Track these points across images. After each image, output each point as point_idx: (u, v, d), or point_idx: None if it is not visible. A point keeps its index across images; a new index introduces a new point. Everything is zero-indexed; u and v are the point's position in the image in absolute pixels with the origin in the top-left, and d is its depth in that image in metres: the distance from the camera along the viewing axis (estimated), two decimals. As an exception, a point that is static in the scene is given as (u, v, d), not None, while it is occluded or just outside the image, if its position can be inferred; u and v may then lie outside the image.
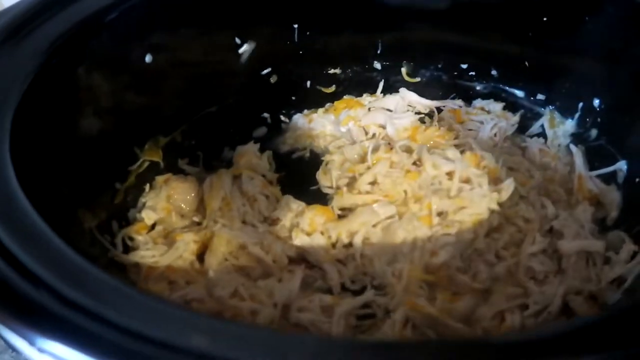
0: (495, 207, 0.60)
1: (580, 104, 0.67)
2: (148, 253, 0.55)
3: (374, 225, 0.57)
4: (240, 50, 0.66)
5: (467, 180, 0.61)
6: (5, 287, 0.27)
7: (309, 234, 0.57)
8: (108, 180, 0.56)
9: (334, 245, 0.57)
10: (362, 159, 0.65)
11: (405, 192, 0.59)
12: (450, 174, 0.61)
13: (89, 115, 0.50)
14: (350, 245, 0.57)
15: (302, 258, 0.58)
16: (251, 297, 0.52)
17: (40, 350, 0.26)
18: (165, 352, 0.26)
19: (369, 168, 0.62)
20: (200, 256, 0.57)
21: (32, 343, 0.26)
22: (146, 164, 0.62)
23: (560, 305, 0.53)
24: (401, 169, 0.61)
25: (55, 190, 0.43)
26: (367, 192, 0.60)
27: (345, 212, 0.60)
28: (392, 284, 0.53)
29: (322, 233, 0.57)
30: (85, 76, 0.48)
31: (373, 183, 0.61)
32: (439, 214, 0.58)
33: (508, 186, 0.61)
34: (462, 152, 0.68)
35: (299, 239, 0.57)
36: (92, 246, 0.49)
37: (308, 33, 0.68)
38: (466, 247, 0.57)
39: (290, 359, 0.26)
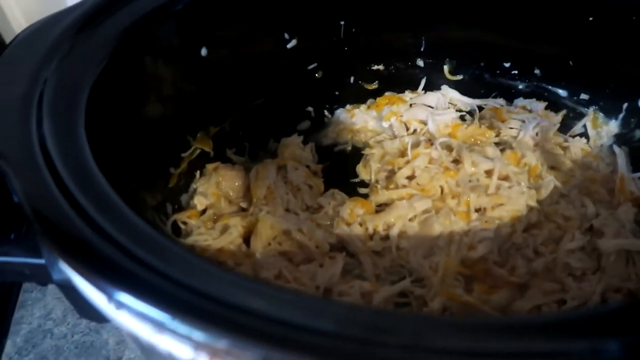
0: (534, 204, 0.61)
1: (625, 105, 0.66)
2: (201, 237, 0.58)
3: (410, 219, 0.59)
4: (289, 46, 0.69)
5: (505, 178, 0.62)
6: (88, 247, 0.30)
7: (348, 224, 0.60)
8: (163, 164, 0.60)
9: (371, 237, 0.59)
10: (402, 154, 0.67)
11: (442, 188, 0.61)
12: (489, 172, 0.62)
13: (150, 102, 0.54)
14: (387, 237, 0.58)
15: (342, 246, 0.60)
16: (294, 280, 0.54)
17: (118, 304, 0.29)
18: (221, 307, 0.29)
19: (408, 162, 0.64)
20: (246, 240, 0.60)
21: (110, 297, 0.29)
22: (197, 152, 0.65)
23: (599, 302, 0.54)
24: (440, 165, 0.63)
25: (122, 170, 0.46)
26: (404, 186, 0.62)
27: (382, 207, 0.62)
28: (428, 276, 0.55)
29: (360, 224, 0.59)
30: (150, 66, 0.51)
31: (411, 177, 0.63)
32: (477, 210, 0.59)
33: (547, 184, 0.62)
34: (502, 150, 0.69)
35: (339, 228, 0.59)
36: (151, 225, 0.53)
37: (353, 30, 0.70)
38: (504, 241, 0.58)
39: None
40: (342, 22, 0.70)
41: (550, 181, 0.62)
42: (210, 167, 0.67)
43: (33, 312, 0.71)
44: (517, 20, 0.69)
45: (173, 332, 0.28)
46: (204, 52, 0.61)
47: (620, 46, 0.64)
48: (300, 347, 0.26)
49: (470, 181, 0.61)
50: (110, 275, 0.29)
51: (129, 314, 0.29)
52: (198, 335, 0.27)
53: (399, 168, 0.65)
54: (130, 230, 0.33)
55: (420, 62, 0.75)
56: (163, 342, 0.29)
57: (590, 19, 0.64)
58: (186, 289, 0.29)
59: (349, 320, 0.28)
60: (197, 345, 0.28)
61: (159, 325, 0.28)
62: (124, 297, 0.28)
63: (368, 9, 0.69)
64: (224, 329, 0.27)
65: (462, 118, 0.76)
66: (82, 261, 0.30)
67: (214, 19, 0.59)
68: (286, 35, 0.68)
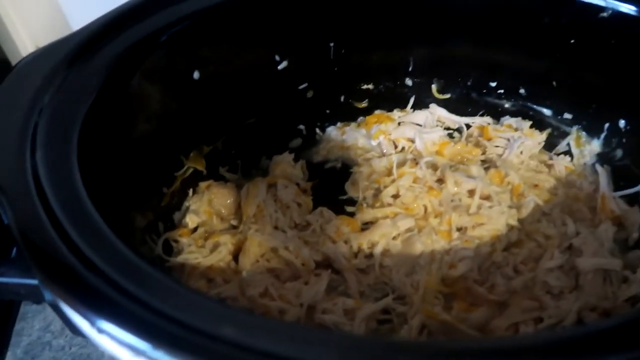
0: (514, 223, 0.62)
1: (607, 125, 0.68)
2: (192, 255, 0.61)
3: (394, 238, 0.60)
4: (280, 67, 0.71)
5: (487, 197, 0.63)
6: (72, 275, 0.33)
7: (334, 242, 0.61)
8: (156, 184, 0.62)
9: (356, 255, 0.61)
10: (389, 172, 0.69)
11: (425, 207, 0.62)
12: (471, 192, 0.63)
13: (143, 125, 0.56)
14: (371, 255, 0.60)
15: (328, 263, 0.62)
16: (280, 297, 0.56)
17: (99, 330, 0.31)
18: (199, 337, 0.31)
19: (393, 181, 0.66)
20: (236, 257, 0.62)
21: (92, 323, 0.31)
22: (190, 170, 0.67)
23: (575, 320, 0.55)
24: (424, 185, 0.64)
25: (112, 192, 0.48)
26: (389, 205, 0.64)
27: (368, 226, 0.64)
28: (410, 294, 0.57)
29: (345, 242, 0.61)
30: (142, 91, 0.54)
31: (396, 196, 0.65)
32: (458, 229, 0.61)
33: (528, 203, 0.63)
34: (487, 168, 0.71)
35: (325, 246, 0.61)
36: (142, 245, 0.55)
37: (343, 51, 0.72)
38: (484, 260, 0.60)
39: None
40: (332, 44, 0.72)
41: (531, 200, 0.64)
42: (203, 185, 0.69)
43: (33, 325, 0.73)
44: (503, 41, 0.71)
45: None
46: (196, 75, 0.63)
47: (601, 68, 0.65)
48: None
49: (452, 201, 0.63)
50: (92, 303, 0.31)
51: (110, 339, 0.32)
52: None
53: (385, 187, 0.67)
54: (114, 259, 0.35)
55: (408, 82, 0.77)
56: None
57: (572, 41, 0.66)
58: (167, 318, 0.31)
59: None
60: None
61: (139, 352, 0.31)
62: (105, 325, 0.31)
63: (357, 30, 0.71)
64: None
65: (450, 136, 0.78)
66: (65, 288, 0.32)
67: (204, 44, 0.61)
68: (277, 57, 0.70)
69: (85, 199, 0.40)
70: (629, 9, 0.59)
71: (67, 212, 0.37)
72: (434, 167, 0.69)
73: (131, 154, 0.54)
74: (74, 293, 0.32)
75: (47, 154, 0.41)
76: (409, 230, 0.61)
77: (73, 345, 0.70)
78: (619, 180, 0.67)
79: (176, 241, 0.62)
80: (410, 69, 0.76)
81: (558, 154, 0.73)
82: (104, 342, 0.32)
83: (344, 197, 0.71)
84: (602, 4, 0.58)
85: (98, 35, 0.51)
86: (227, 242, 0.62)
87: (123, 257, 0.36)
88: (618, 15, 0.60)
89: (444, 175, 0.65)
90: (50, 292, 0.33)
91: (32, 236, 0.35)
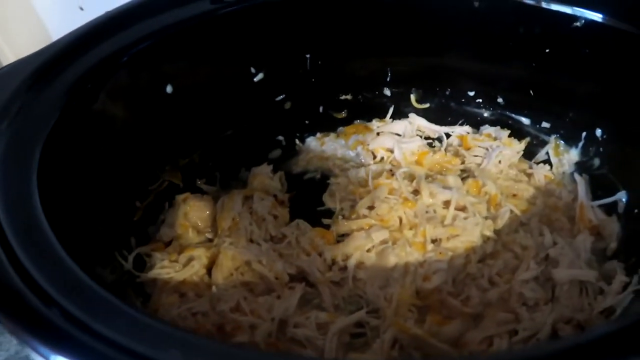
0: (490, 234, 0.62)
1: (584, 134, 0.68)
2: (164, 271, 0.60)
3: (368, 250, 0.60)
4: (256, 79, 0.71)
5: (463, 208, 0.63)
6: (14, 298, 0.33)
7: (308, 255, 0.61)
8: (128, 199, 0.62)
9: (330, 268, 0.60)
10: (365, 183, 0.68)
11: (400, 218, 0.62)
12: (447, 203, 0.63)
13: (111, 142, 0.56)
14: (346, 268, 0.60)
15: (302, 276, 0.61)
16: (251, 312, 0.56)
17: (41, 355, 0.31)
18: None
19: (369, 192, 0.65)
20: (210, 270, 0.62)
21: (33, 349, 0.31)
22: (165, 184, 0.67)
23: (549, 333, 0.55)
24: (399, 196, 0.64)
25: (77, 211, 0.48)
26: (365, 216, 0.63)
27: (343, 238, 0.63)
28: (383, 307, 0.56)
29: (320, 255, 0.61)
30: (107, 109, 0.54)
31: (371, 207, 0.64)
32: (433, 241, 0.60)
33: (504, 214, 0.63)
34: (466, 177, 0.71)
35: (299, 259, 0.61)
36: (108, 263, 0.55)
37: (319, 62, 0.72)
38: (458, 272, 0.59)
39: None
40: (308, 55, 0.72)
41: (506, 211, 0.63)
42: (179, 197, 0.68)
43: (11, 339, 0.73)
44: (480, 51, 0.71)
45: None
46: (169, 89, 0.63)
47: (576, 77, 0.65)
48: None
49: (427, 212, 0.63)
50: (32, 327, 0.31)
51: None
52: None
53: (361, 198, 0.66)
54: (63, 282, 0.35)
55: (387, 92, 0.77)
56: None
57: (547, 50, 0.66)
58: (111, 344, 0.31)
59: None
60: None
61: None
62: (44, 351, 0.30)
63: (332, 41, 0.71)
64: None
65: (430, 145, 0.77)
66: (6, 312, 0.32)
67: (174, 58, 0.61)
68: (252, 70, 0.70)
69: (42, 221, 0.39)
70: (597, 17, 0.58)
71: (19, 235, 0.37)
72: (410, 177, 0.68)
73: (99, 172, 0.54)
74: (13, 316, 0.32)
75: (4, 177, 0.41)
76: (383, 242, 0.61)
77: (50, 361, 0.70)
78: (597, 189, 0.66)
79: (149, 255, 0.62)
80: (388, 79, 0.76)
81: (537, 163, 0.73)
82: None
83: (323, 209, 0.70)
84: (570, 11, 0.58)
85: (58, 58, 0.50)
86: (201, 256, 0.62)
87: (74, 280, 0.35)
88: (591, 24, 0.60)
89: (419, 187, 0.64)
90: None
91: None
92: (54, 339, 0.31)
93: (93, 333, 0.31)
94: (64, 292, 0.34)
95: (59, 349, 0.30)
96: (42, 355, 0.31)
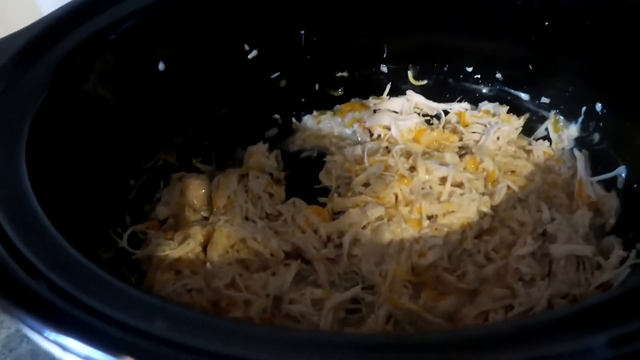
0: (487, 210, 0.61)
1: (584, 108, 0.67)
2: (159, 248, 0.60)
3: (363, 227, 0.60)
4: (250, 56, 0.70)
5: (460, 185, 0.62)
6: (4, 274, 0.32)
7: (303, 232, 0.61)
8: (122, 177, 0.61)
9: (325, 244, 0.60)
10: (362, 160, 0.68)
11: (396, 195, 0.61)
12: (443, 179, 0.62)
13: (103, 123, 0.55)
14: (341, 245, 0.60)
15: (298, 254, 0.61)
16: (246, 288, 0.56)
17: (28, 327, 0.31)
18: (132, 335, 0.30)
19: (364, 169, 0.65)
20: (206, 248, 0.62)
21: (21, 321, 0.31)
22: (160, 162, 0.67)
23: (545, 308, 0.54)
24: (395, 173, 0.63)
25: (69, 188, 0.48)
26: (360, 193, 0.63)
27: (339, 215, 0.63)
28: (378, 283, 0.56)
29: (315, 232, 0.61)
30: (96, 88, 0.53)
31: (366, 184, 0.64)
32: (429, 217, 0.60)
33: (500, 190, 0.62)
34: (464, 154, 0.70)
35: (295, 236, 0.61)
36: (106, 240, 0.55)
37: (314, 38, 0.71)
38: (454, 248, 0.59)
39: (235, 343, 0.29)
40: (302, 32, 0.71)
41: (503, 187, 0.63)
42: (175, 176, 0.68)
43: (11, 318, 0.73)
44: (477, 25, 0.69)
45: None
46: (161, 66, 0.62)
47: (576, 50, 0.64)
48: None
49: (423, 189, 0.62)
50: (20, 299, 0.31)
51: (39, 336, 0.31)
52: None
53: (357, 175, 0.66)
54: (51, 256, 0.35)
55: (384, 68, 0.76)
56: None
57: (546, 23, 0.64)
58: (99, 315, 0.31)
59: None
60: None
61: (68, 350, 0.30)
62: (32, 323, 0.30)
63: (326, 17, 0.70)
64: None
65: (428, 122, 0.76)
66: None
67: (166, 35, 0.60)
68: (246, 47, 0.69)
69: (31, 196, 0.39)
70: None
71: (6, 208, 0.37)
72: (407, 154, 0.67)
73: (91, 150, 0.54)
74: (3, 293, 0.31)
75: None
76: (379, 219, 0.61)
77: (50, 339, 0.70)
78: (597, 164, 0.65)
79: (144, 234, 0.62)
80: (385, 55, 0.75)
81: (537, 139, 0.72)
82: (37, 339, 0.32)
83: (319, 187, 0.70)
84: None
85: (44, 35, 0.50)
86: (196, 234, 0.62)
87: (62, 254, 0.35)
88: (591, -5, 0.59)
89: (416, 163, 0.64)
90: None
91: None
92: (42, 312, 0.31)
93: (81, 305, 0.31)
94: (53, 266, 0.34)
95: (47, 321, 0.30)
96: (30, 327, 0.31)
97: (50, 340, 0.30)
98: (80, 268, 0.35)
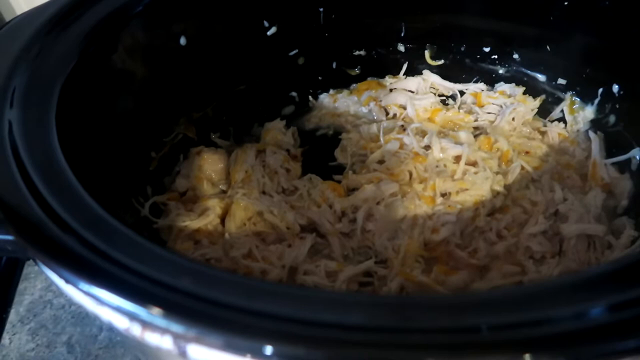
0: (500, 189, 0.62)
1: (600, 90, 0.67)
2: (179, 218, 0.62)
3: (377, 203, 0.61)
4: (269, 33, 0.71)
5: (474, 164, 0.63)
6: (39, 230, 0.34)
7: (318, 206, 0.62)
8: (144, 149, 0.63)
9: (340, 219, 0.62)
10: (377, 138, 0.69)
11: (410, 172, 0.62)
12: (457, 158, 0.63)
13: (126, 92, 0.57)
14: (355, 220, 0.61)
15: (313, 227, 0.63)
16: (263, 259, 0.58)
17: (66, 280, 0.33)
18: (160, 289, 0.32)
19: (380, 147, 0.66)
20: (224, 220, 0.64)
21: (59, 275, 0.32)
22: (180, 137, 0.68)
23: (555, 285, 0.55)
24: (410, 151, 0.64)
25: (93, 155, 0.50)
26: (375, 170, 0.64)
27: (353, 192, 0.64)
28: (391, 257, 0.57)
29: (330, 206, 0.62)
30: (123, 59, 0.54)
31: (381, 162, 0.65)
32: (442, 194, 0.61)
33: (514, 169, 0.63)
34: (479, 134, 0.71)
35: (310, 210, 0.62)
36: (129, 208, 0.57)
37: (333, 16, 0.72)
38: (466, 225, 0.60)
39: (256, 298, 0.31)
40: (321, 9, 0.71)
41: (517, 166, 0.63)
42: (194, 150, 0.70)
43: (35, 284, 0.76)
44: (496, 5, 0.69)
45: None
46: (182, 41, 0.63)
47: (595, 31, 0.64)
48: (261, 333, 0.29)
49: (437, 167, 0.63)
50: (58, 256, 0.33)
51: (76, 290, 0.33)
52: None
53: (372, 152, 0.67)
54: (83, 215, 0.36)
55: (401, 48, 0.77)
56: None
57: (565, 3, 0.64)
58: (130, 270, 0.33)
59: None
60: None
61: (102, 302, 0.32)
62: (69, 276, 0.32)
63: (346, -5, 0.70)
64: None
65: (444, 102, 0.77)
66: (33, 243, 0.34)
67: (189, 10, 0.61)
68: (265, 23, 0.70)
69: (62, 160, 0.41)
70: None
71: (39, 169, 0.38)
72: (422, 133, 0.68)
73: (115, 119, 0.55)
74: (40, 246, 0.33)
75: (24, 114, 0.43)
76: (392, 195, 0.62)
77: (73, 304, 0.73)
78: (612, 146, 0.66)
79: (165, 204, 0.64)
80: (402, 34, 0.75)
81: (552, 121, 0.72)
82: (71, 292, 0.34)
83: (334, 164, 0.71)
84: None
85: (74, 5, 0.51)
86: (215, 206, 0.64)
87: (92, 214, 0.37)
88: (612, -25, 0.58)
89: (431, 142, 0.65)
90: (22, 247, 0.35)
91: (2, 192, 0.36)
92: (77, 265, 0.32)
93: (112, 260, 0.33)
94: (85, 224, 0.35)
95: (81, 273, 0.32)
96: (66, 280, 0.33)
97: (84, 292, 0.32)
98: (110, 227, 0.36)
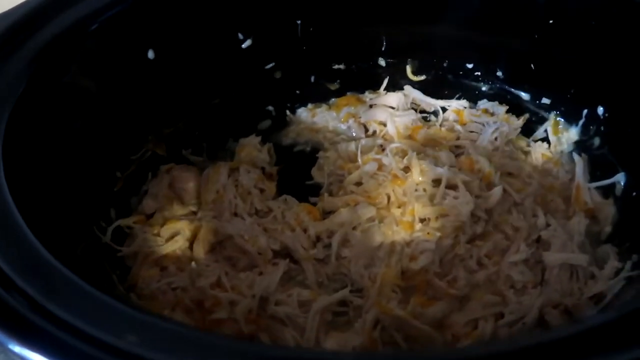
0: (481, 214, 0.60)
1: (585, 111, 0.65)
2: (146, 244, 0.59)
3: (354, 227, 0.58)
4: (244, 45, 0.68)
5: (454, 187, 0.61)
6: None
7: (292, 230, 0.59)
8: (108, 169, 0.60)
9: (314, 244, 0.59)
10: (355, 157, 0.66)
11: (389, 196, 0.60)
12: (437, 181, 0.61)
13: (87, 113, 0.54)
14: (330, 245, 0.58)
15: (287, 252, 0.60)
16: (232, 288, 0.55)
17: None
18: (101, 351, 0.29)
19: (357, 168, 0.63)
20: (192, 244, 0.60)
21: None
22: (148, 154, 0.65)
23: (536, 317, 0.53)
24: (389, 173, 0.62)
25: (50, 180, 0.46)
26: (352, 192, 0.61)
27: (329, 215, 0.61)
28: (367, 287, 0.55)
29: (304, 231, 0.59)
30: (80, 78, 0.51)
31: (359, 183, 0.62)
32: (421, 220, 0.58)
33: (496, 193, 0.61)
34: (460, 154, 0.68)
35: (284, 234, 0.59)
36: (88, 235, 0.53)
37: (311, 29, 0.69)
38: (446, 253, 0.57)
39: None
40: (299, 21, 0.68)
41: (499, 190, 0.61)
42: (163, 168, 0.66)
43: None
44: (480, 21, 0.67)
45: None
46: (151, 55, 0.60)
47: (581, 50, 0.62)
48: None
49: (416, 190, 0.60)
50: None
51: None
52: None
53: (349, 173, 0.64)
54: (23, 262, 0.33)
55: (382, 62, 0.74)
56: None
57: (551, 21, 0.62)
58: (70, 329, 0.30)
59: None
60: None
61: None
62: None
63: (324, 7, 0.68)
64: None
65: (425, 119, 0.74)
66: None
67: (156, 22, 0.58)
68: (240, 35, 0.67)
69: (4, 189, 0.37)
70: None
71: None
72: (402, 153, 0.66)
73: (73, 141, 0.52)
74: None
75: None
76: (369, 220, 0.59)
77: None
78: (596, 169, 0.64)
79: (130, 228, 0.60)
80: (383, 48, 0.73)
81: (535, 141, 0.70)
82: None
83: (311, 182, 0.68)
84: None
85: (22, 24, 0.47)
86: (184, 229, 0.61)
87: (33, 256, 0.34)
88: (599, -6, 0.56)
89: (410, 163, 0.62)
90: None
91: None
92: (8, 323, 0.29)
93: (49, 315, 0.30)
94: (21, 269, 0.32)
95: (9, 333, 0.29)
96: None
97: (15, 354, 0.29)
98: (51, 272, 0.33)
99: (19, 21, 0.46)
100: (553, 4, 0.61)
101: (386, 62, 0.74)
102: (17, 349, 0.28)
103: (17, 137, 0.42)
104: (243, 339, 0.51)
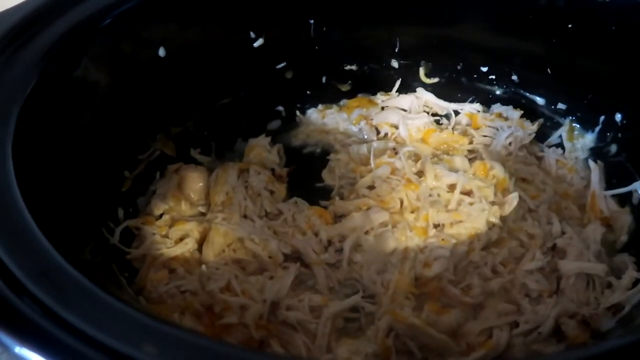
0: (496, 221, 0.59)
1: (602, 117, 0.64)
2: (154, 246, 0.57)
3: (366, 232, 0.57)
4: (255, 44, 0.66)
5: (469, 193, 0.60)
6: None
7: (303, 234, 0.58)
8: (116, 169, 0.59)
9: (326, 249, 0.58)
10: (367, 161, 0.65)
11: (402, 200, 0.59)
12: (451, 186, 0.60)
13: (96, 111, 0.52)
14: (342, 250, 0.57)
15: (297, 256, 0.59)
16: (242, 292, 0.53)
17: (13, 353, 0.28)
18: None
19: (370, 171, 0.62)
20: (202, 246, 0.59)
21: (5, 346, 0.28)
22: (157, 153, 0.64)
23: (552, 327, 0.52)
24: (402, 177, 0.61)
25: (59, 180, 0.45)
26: (364, 196, 0.60)
27: (341, 219, 0.60)
28: (379, 293, 0.54)
29: (316, 235, 0.58)
30: (91, 75, 0.50)
31: (371, 187, 0.61)
32: (435, 226, 0.57)
33: (512, 200, 0.60)
34: (474, 158, 0.67)
35: (295, 238, 0.58)
36: (96, 236, 0.52)
37: (324, 29, 0.68)
38: (460, 260, 0.56)
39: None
40: (312, 21, 0.67)
41: (515, 197, 0.60)
42: (171, 167, 0.65)
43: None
44: (496, 23, 0.66)
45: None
46: (161, 52, 0.59)
47: (599, 56, 0.61)
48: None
49: (430, 195, 0.59)
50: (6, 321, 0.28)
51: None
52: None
53: (361, 177, 0.63)
54: (35, 267, 0.32)
55: (394, 63, 0.73)
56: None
57: (570, 26, 0.61)
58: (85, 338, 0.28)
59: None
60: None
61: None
62: (19, 349, 0.28)
63: (338, 7, 0.66)
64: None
65: (437, 122, 0.73)
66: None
67: (167, 20, 0.57)
68: (252, 34, 0.66)
69: (14, 190, 0.36)
70: (630, -7, 0.54)
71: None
72: (415, 157, 0.65)
73: (82, 140, 0.51)
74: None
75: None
76: (382, 225, 0.58)
77: None
78: (612, 177, 0.63)
79: (138, 229, 0.59)
80: (396, 49, 0.72)
81: (549, 147, 0.69)
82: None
83: (321, 185, 0.67)
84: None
85: (34, 18, 0.46)
86: (193, 230, 0.59)
87: (45, 260, 0.33)
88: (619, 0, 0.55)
89: (424, 168, 0.61)
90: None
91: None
92: (16, 329, 0.28)
93: (61, 322, 0.29)
94: (33, 273, 0.31)
95: (21, 340, 0.28)
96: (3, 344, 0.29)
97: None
98: (64, 277, 0.32)
99: (32, 15, 0.44)
100: (572, 8, 0.60)
101: (399, 64, 0.73)
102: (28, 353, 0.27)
103: (27, 133, 0.41)
104: (253, 345, 0.51)
